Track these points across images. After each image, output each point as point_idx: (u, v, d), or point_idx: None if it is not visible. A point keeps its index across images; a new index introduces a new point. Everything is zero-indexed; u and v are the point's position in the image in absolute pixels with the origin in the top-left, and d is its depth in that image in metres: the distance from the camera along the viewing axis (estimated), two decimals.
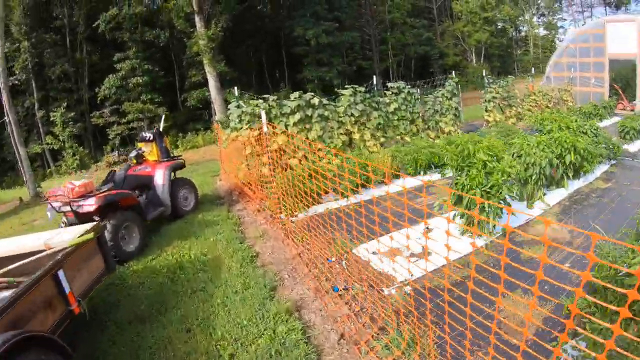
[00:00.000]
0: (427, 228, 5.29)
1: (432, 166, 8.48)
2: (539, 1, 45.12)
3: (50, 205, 5.43)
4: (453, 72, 12.60)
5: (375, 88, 9.98)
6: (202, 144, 22.23)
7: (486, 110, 13.00)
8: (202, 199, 8.38)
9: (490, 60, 42.32)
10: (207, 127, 24.80)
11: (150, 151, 7.23)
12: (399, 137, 9.99)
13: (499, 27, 40.81)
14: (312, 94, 8.46)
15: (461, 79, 36.50)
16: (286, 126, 8.07)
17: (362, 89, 9.13)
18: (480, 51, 42.03)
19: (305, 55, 30.12)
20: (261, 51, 33.53)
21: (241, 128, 7.77)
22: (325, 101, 8.62)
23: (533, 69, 14.59)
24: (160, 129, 7.57)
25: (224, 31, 22.24)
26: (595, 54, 17.45)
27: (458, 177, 5.36)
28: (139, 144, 7.42)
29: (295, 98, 8.22)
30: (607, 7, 40.48)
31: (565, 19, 45.24)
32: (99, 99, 23.95)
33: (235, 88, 8.70)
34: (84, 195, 5.35)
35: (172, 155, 7.50)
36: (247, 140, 7.46)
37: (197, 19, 20.97)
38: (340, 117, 8.86)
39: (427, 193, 7.26)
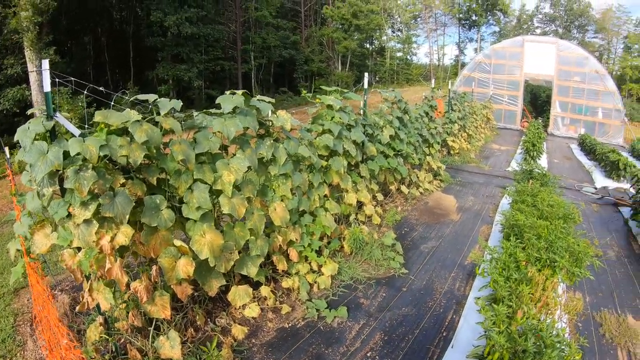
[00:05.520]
0: None
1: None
2: (397, 17, 47.07)
3: None
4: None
5: (366, 94, 5.35)
6: (16, 169, 13.44)
7: (448, 134, 9.71)
8: None
9: (352, 69, 41.64)
10: None
11: None
12: (392, 188, 5.66)
13: (364, 36, 40.49)
14: (249, 96, 3.37)
15: (327, 85, 33.94)
16: (213, 193, 2.85)
17: (358, 96, 4.45)
18: (344, 59, 41.08)
19: (160, 49, 23.40)
20: (103, 42, 25.14)
21: (71, 224, 2.30)
22: (295, 120, 3.65)
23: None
24: None
25: (60, 9, 14.43)
26: (511, 71, 16.87)
27: None
28: None
29: (234, 108, 3.03)
30: (460, 28, 44.27)
31: (419, 35, 48.26)
32: None
33: (47, 67, 2.76)
34: None
35: None
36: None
37: None
38: (321, 155, 4.04)
39: None
